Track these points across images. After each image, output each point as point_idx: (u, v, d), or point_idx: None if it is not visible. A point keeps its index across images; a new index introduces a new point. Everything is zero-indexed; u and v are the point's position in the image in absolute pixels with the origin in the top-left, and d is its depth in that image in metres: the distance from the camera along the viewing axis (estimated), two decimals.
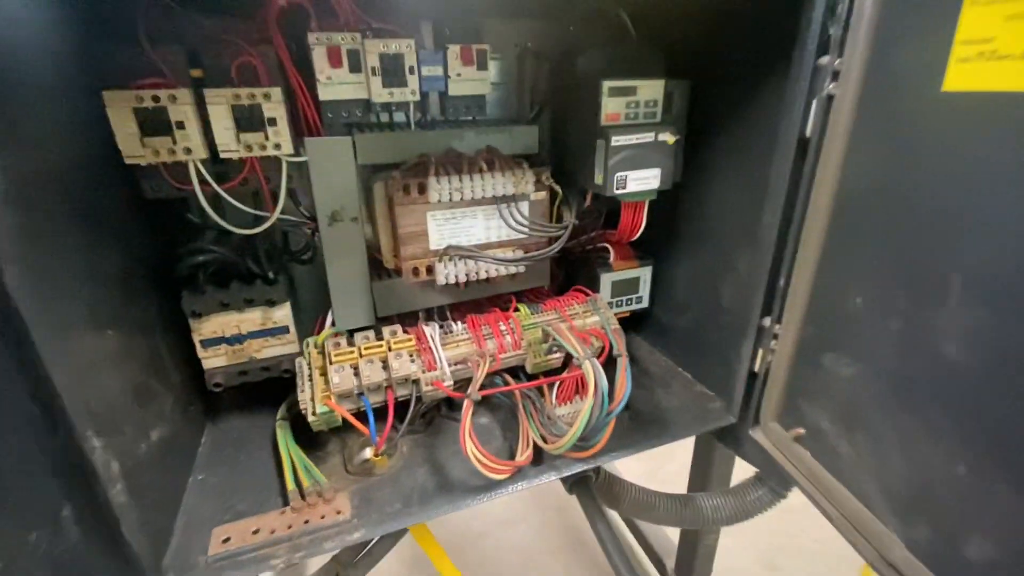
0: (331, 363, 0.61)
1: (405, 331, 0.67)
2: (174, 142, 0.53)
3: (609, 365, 0.62)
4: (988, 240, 0.40)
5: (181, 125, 0.53)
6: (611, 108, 0.63)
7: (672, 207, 0.77)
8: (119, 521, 0.46)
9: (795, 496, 0.68)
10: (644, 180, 0.65)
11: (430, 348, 0.66)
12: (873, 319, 0.51)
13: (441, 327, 0.69)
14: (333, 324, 0.72)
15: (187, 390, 0.69)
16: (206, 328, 0.63)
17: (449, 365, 0.65)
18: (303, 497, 0.56)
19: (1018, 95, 0.37)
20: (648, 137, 0.63)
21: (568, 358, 0.71)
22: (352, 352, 0.62)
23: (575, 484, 0.76)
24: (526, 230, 0.65)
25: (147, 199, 0.58)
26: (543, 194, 0.65)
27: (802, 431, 0.62)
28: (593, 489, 0.73)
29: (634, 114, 0.65)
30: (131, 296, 0.57)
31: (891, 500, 0.51)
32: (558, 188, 0.66)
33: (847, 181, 0.52)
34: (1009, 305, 0.39)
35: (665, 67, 0.68)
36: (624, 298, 0.85)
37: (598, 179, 0.66)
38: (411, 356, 0.63)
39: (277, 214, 0.61)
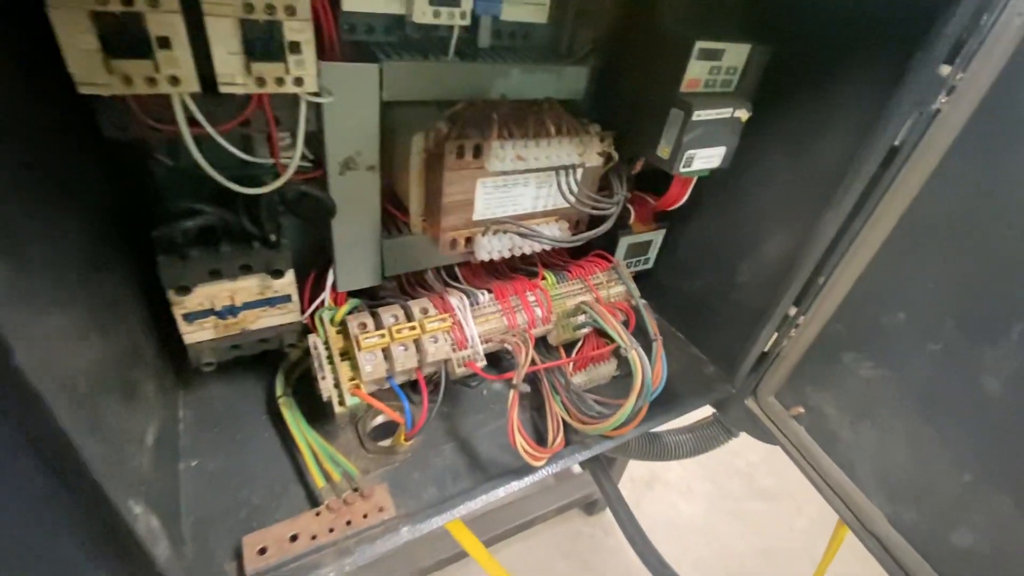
0: (360, 349, 0.53)
1: (431, 302, 0.60)
2: (156, 68, 0.37)
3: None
4: None
5: (165, 43, 0.36)
6: (694, 72, 0.55)
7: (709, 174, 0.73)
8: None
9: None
10: (709, 158, 0.59)
11: (460, 324, 0.60)
12: (913, 335, 0.54)
13: (468, 296, 0.63)
14: (334, 285, 0.62)
15: (161, 359, 0.57)
16: (191, 301, 0.51)
17: (481, 342, 0.60)
18: (336, 494, 0.52)
19: None
20: (726, 112, 0.57)
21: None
22: (383, 335, 0.54)
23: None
24: (578, 202, 0.58)
25: (106, 139, 0.41)
26: (599, 161, 0.57)
27: (802, 410, 0.68)
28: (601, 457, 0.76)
29: (713, 81, 0.57)
30: (98, 266, 0.43)
31: (883, 482, 0.59)
32: (615, 155, 0.59)
33: (925, 200, 0.52)
34: None
35: (745, 25, 0.60)
36: (634, 259, 0.83)
37: (663, 151, 0.59)
38: (444, 337, 0.57)
39: (292, 170, 0.47)
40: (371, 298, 0.66)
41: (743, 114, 0.58)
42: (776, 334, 0.69)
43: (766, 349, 0.71)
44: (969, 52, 0.46)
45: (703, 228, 0.79)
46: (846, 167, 0.56)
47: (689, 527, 1.61)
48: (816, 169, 0.60)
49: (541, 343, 0.70)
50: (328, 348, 0.54)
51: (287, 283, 0.55)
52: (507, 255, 0.59)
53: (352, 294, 0.64)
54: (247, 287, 0.53)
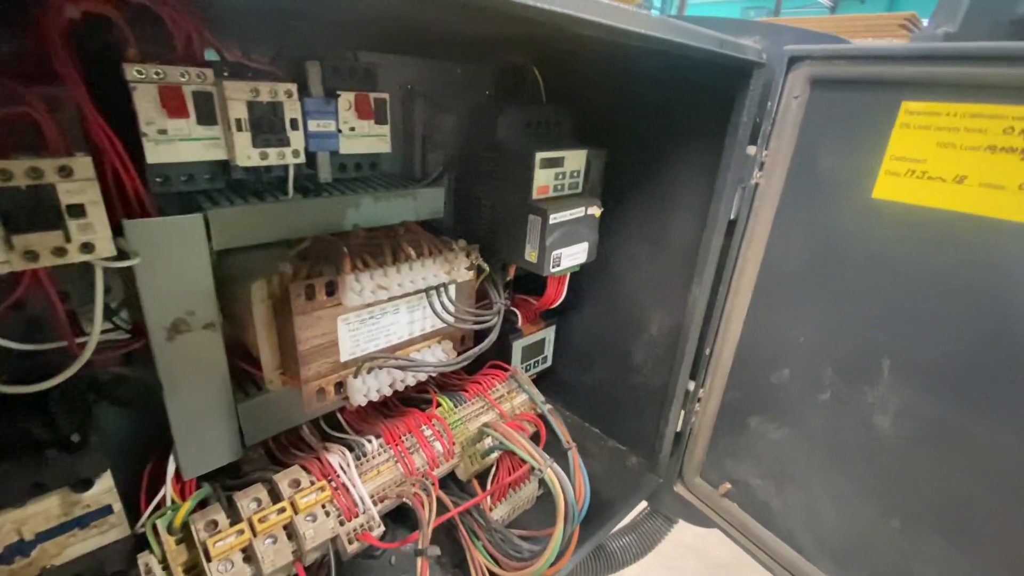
0: (210, 559, 0.41)
1: (305, 468, 0.50)
2: None
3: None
4: (916, 332, 0.46)
5: None
6: (542, 180, 0.57)
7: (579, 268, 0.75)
8: None
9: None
10: (574, 255, 0.60)
11: (345, 487, 0.50)
12: (801, 389, 0.56)
13: (352, 450, 0.54)
14: (177, 474, 0.50)
15: None
16: None
17: (374, 503, 0.51)
18: None
19: (945, 212, 0.42)
20: (579, 211, 0.59)
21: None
22: (241, 531, 0.43)
23: None
24: (457, 319, 0.54)
25: None
26: (471, 274, 0.55)
27: (729, 486, 0.66)
28: None
29: (561, 185, 0.59)
30: None
31: (826, 549, 0.57)
32: (486, 266, 0.57)
33: (771, 262, 0.56)
34: (940, 390, 0.45)
35: (576, 134, 0.65)
36: (532, 361, 0.80)
37: (531, 256, 0.58)
38: (325, 510, 0.47)
39: (90, 351, 0.38)
40: (233, 477, 0.54)
41: (595, 210, 0.61)
42: (683, 412, 0.68)
43: (679, 429, 0.69)
44: (766, 132, 0.52)
45: (591, 318, 0.79)
46: (698, 243, 0.60)
47: None
48: (674, 249, 0.64)
49: (451, 478, 0.62)
50: (167, 569, 0.41)
51: (102, 491, 0.43)
52: (390, 392, 0.52)
53: (207, 477, 0.52)
54: (42, 511, 0.40)
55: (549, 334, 0.81)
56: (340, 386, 0.50)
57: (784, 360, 0.57)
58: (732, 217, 0.57)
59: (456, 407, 0.63)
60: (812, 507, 0.57)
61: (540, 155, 0.55)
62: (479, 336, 0.60)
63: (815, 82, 0.49)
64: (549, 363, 0.84)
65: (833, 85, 0.48)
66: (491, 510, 0.61)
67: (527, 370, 0.80)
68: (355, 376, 0.49)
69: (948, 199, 0.42)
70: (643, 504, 0.79)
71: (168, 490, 0.49)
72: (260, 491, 0.47)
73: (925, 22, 1.02)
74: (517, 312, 0.76)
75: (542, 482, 0.66)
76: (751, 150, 0.53)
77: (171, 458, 0.49)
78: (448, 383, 0.68)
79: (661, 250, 0.66)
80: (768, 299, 0.57)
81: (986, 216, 0.40)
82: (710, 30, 0.44)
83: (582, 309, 0.80)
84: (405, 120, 0.65)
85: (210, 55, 0.44)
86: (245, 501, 0.45)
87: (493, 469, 0.63)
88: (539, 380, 0.87)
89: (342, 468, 0.51)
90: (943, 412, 0.45)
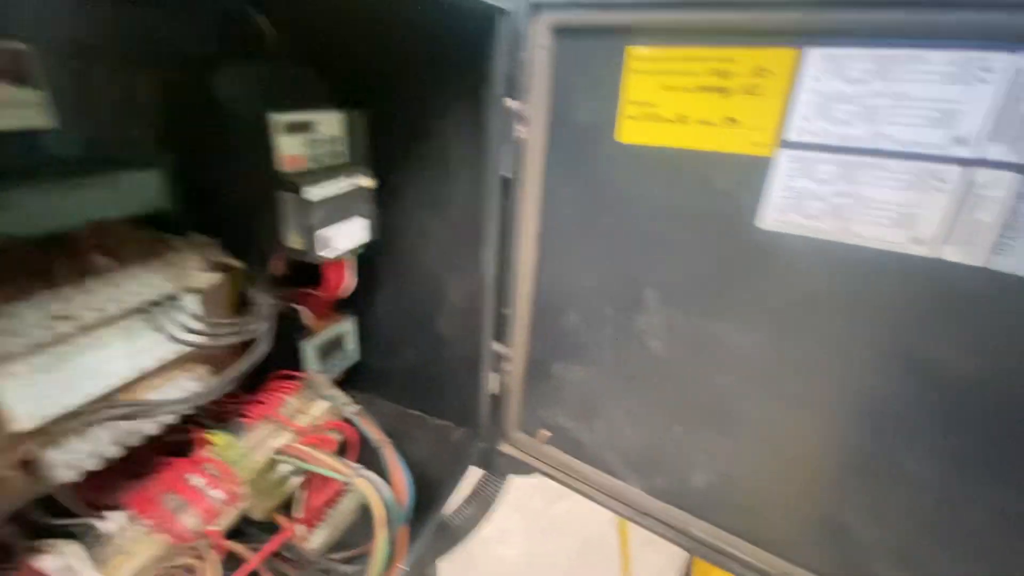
0: None
1: None
2: None
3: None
4: (668, 259, 0.51)
5: None
6: (290, 149, 0.47)
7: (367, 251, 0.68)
8: None
9: None
10: (352, 234, 0.53)
11: None
12: (590, 330, 0.59)
13: (81, 538, 0.40)
14: None
15: None
16: None
17: None
18: None
19: (674, 150, 0.47)
20: (345, 184, 0.51)
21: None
22: None
23: None
24: (205, 337, 0.43)
25: None
26: (217, 277, 0.44)
27: (547, 433, 0.69)
28: None
29: (318, 155, 0.51)
30: None
31: (630, 463, 0.63)
32: (237, 263, 0.46)
33: (549, 216, 0.57)
34: (690, 306, 0.52)
35: (330, 95, 0.56)
36: (333, 361, 0.71)
37: (295, 242, 0.49)
38: None
39: None
40: None
41: (366, 181, 0.54)
42: (496, 374, 0.68)
43: (495, 391, 0.69)
44: (523, 85, 0.52)
45: (392, 299, 0.73)
46: (480, 205, 0.58)
47: (522, 564, 1.58)
48: (459, 213, 0.61)
49: (251, 522, 0.51)
50: None
51: None
52: (117, 452, 0.39)
53: None
54: None
55: (349, 326, 0.73)
56: (28, 465, 0.35)
57: (573, 306, 0.60)
58: (508, 175, 0.56)
59: (237, 438, 0.52)
60: (615, 432, 0.62)
61: (279, 118, 0.46)
62: (246, 348, 0.50)
63: (558, 31, 0.49)
64: (357, 357, 0.76)
65: (573, 34, 0.48)
66: (306, 540, 0.53)
67: (329, 371, 0.71)
68: (50, 446, 0.35)
69: (675, 138, 0.46)
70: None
71: None
72: None
73: None
74: (301, 309, 0.65)
75: None
76: (510, 103, 0.52)
77: None
78: (224, 412, 0.56)
79: (447, 215, 0.63)
80: (551, 251, 0.58)
81: (704, 151, 0.46)
82: None
83: (382, 291, 0.73)
84: (79, 83, 0.47)
85: None
86: None
87: (301, 494, 0.54)
88: (349, 378, 0.79)
89: (69, 572, 0.37)
90: (697, 325, 0.52)
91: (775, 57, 0.40)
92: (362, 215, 0.54)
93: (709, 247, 0.49)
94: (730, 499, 0.57)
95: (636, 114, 0.47)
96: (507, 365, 0.67)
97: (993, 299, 0.38)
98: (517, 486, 0.83)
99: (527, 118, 0.53)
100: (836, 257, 0.42)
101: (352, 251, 0.55)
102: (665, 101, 0.46)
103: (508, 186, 0.56)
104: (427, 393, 0.77)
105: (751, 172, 0.44)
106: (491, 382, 0.69)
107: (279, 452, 0.50)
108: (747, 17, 0.40)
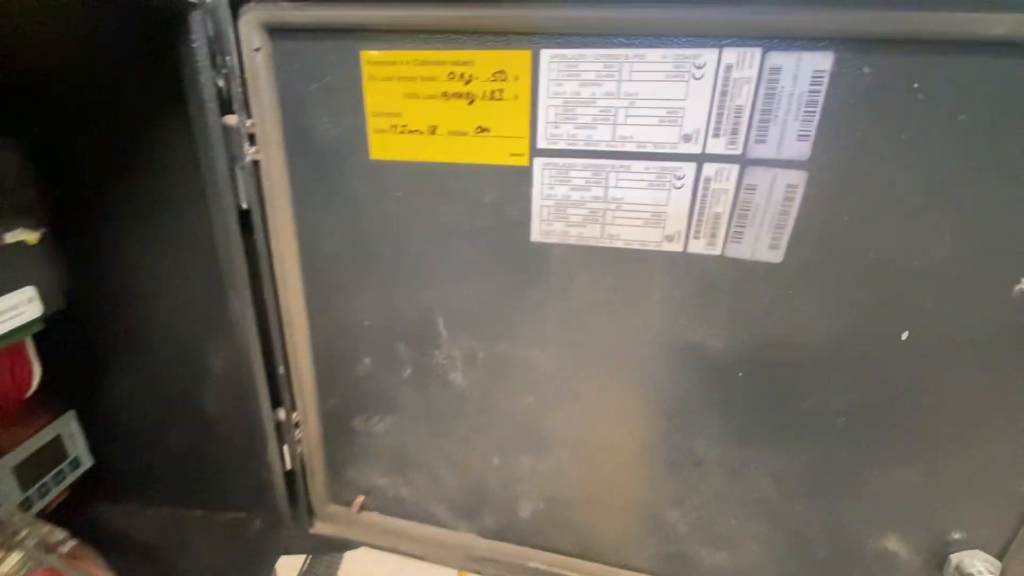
0: None
1: None
2: None
3: None
4: (453, 284, 0.46)
5: None
6: None
7: (79, 322, 0.51)
8: None
9: None
10: (13, 312, 0.37)
11: None
12: (385, 372, 0.52)
13: None
14: None
15: None
16: None
17: None
18: None
19: (432, 164, 0.42)
20: None
21: None
22: None
23: None
24: None
25: None
26: None
27: (362, 498, 0.59)
28: None
29: None
30: None
31: (456, 509, 0.57)
32: None
33: (309, 251, 0.48)
34: (482, 331, 0.47)
35: None
36: (45, 480, 0.52)
37: None
38: None
39: None
40: None
41: (28, 235, 0.39)
42: (285, 446, 0.56)
43: (289, 467, 0.57)
44: (239, 97, 0.42)
45: (134, 376, 0.57)
46: (219, 245, 0.46)
47: None
48: (198, 259, 0.48)
49: None
50: None
51: None
52: None
53: None
54: None
55: (66, 426, 0.54)
56: None
57: (362, 350, 0.51)
58: (245, 206, 0.45)
59: None
60: (434, 478, 0.56)
61: None
62: None
63: (272, 30, 0.40)
64: (87, 463, 0.57)
65: (292, 34, 0.40)
66: None
67: (45, 495, 0.52)
68: None
69: (429, 151, 0.41)
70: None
71: None
72: None
73: None
74: None
75: None
76: (231, 120, 0.42)
77: None
78: None
79: (183, 262, 0.50)
80: (323, 290, 0.49)
81: (465, 163, 0.41)
82: None
83: (114, 368, 0.56)
84: None
85: None
86: None
87: None
88: (78, 495, 0.59)
89: None
90: (492, 349, 0.48)
91: (512, 59, 0.37)
92: (28, 282, 0.39)
93: (490, 266, 0.45)
94: (561, 520, 0.54)
95: (384, 127, 0.41)
96: (298, 433, 0.56)
97: (734, 283, 0.39)
98: (356, 559, 0.71)
99: (257, 136, 0.43)
100: (604, 262, 0.41)
101: (19, 333, 0.39)
102: (411, 111, 0.40)
103: (249, 219, 0.45)
104: (206, 485, 0.61)
105: (515, 183, 0.41)
106: (283, 456, 0.57)
107: None
108: (473, 14, 0.36)
